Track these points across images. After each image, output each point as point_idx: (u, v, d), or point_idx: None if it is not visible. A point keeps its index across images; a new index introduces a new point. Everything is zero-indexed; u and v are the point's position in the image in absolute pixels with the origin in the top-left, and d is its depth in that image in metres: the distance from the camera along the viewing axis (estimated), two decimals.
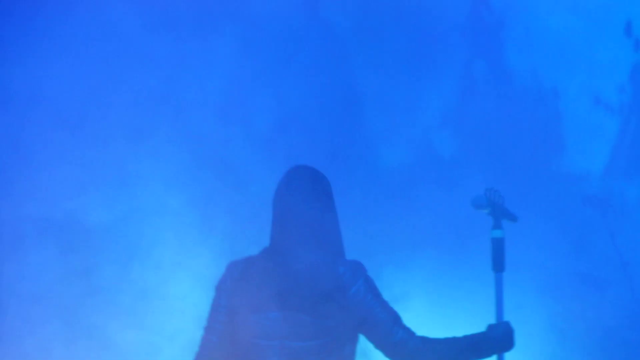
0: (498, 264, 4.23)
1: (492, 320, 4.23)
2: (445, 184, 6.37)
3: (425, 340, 4.10)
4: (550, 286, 6.37)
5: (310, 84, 6.31)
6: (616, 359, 6.38)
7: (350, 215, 4.76)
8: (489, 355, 4.13)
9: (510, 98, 6.52)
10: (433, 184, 6.38)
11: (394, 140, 6.37)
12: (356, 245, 4.73)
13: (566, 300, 6.37)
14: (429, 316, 6.04)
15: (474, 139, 6.48)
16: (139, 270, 6.00)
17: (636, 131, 6.61)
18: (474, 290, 5.97)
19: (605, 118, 6.58)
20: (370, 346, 4.15)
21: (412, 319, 4.35)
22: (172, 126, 6.11)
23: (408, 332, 4.11)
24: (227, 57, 6.18)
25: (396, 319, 4.12)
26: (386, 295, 4.18)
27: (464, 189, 6.27)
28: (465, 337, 4.10)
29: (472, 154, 6.44)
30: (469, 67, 6.55)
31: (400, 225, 6.26)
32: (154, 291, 5.98)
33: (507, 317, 4.27)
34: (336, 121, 6.32)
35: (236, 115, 6.20)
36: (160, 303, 5.95)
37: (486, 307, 5.98)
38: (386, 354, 4.14)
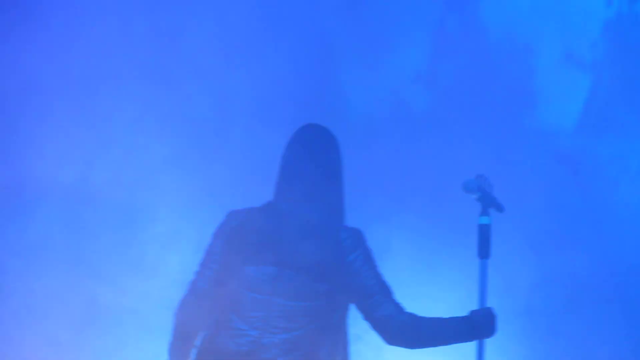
0: (484, 251, 4.25)
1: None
2: (416, 138, 6.31)
3: (413, 317, 4.06)
4: (522, 243, 6.34)
5: (284, 37, 6.22)
6: (589, 316, 6.37)
7: None
8: (470, 339, 4.12)
9: (483, 54, 6.48)
10: (404, 137, 6.32)
11: (366, 94, 6.31)
12: None
13: (539, 257, 6.34)
14: (410, 272, 6.00)
15: (446, 95, 6.43)
16: (139, 238, 5.91)
17: (608, 88, 6.59)
18: (452, 242, 5.94)
19: (578, 74, 6.55)
20: (365, 328, 4.10)
21: (394, 275, 4.28)
22: (172, 98, 6.08)
23: (398, 307, 4.06)
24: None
25: (388, 293, 4.07)
26: None
27: (434, 143, 6.25)
28: (448, 319, 4.08)
29: (444, 109, 6.39)
30: (442, 22, 6.49)
31: (372, 179, 6.20)
32: (152, 261, 5.90)
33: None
34: (308, 72, 6.23)
35: (222, 77, 6.13)
36: (158, 272, 5.87)
37: (466, 258, 5.99)
38: (373, 326, 4.09)
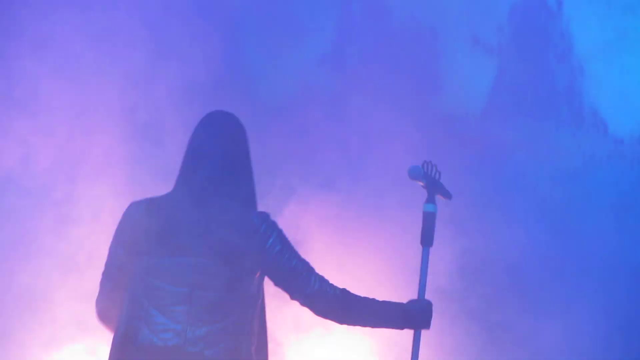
0: (427, 238, 4.20)
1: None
2: (324, 122, 6.25)
3: (344, 292, 4.04)
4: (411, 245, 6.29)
5: (189, 24, 6.14)
6: (521, 299, 6.34)
7: None
8: (401, 327, 4.09)
9: (388, 37, 6.44)
10: (312, 121, 6.25)
11: (274, 77, 6.23)
12: None
13: (451, 242, 6.30)
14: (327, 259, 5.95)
15: (351, 78, 6.38)
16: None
17: (514, 72, 6.57)
18: (373, 226, 5.90)
19: (484, 59, 6.53)
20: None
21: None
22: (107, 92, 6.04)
23: (324, 280, 4.03)
24: None
25: (312, 269, 4.04)
26: None
27: (341, 128, 6.19)
28: (381, 302, 4.05)
29: (350, 92, 6.34)
30: (347, 5, 6.44)
31: (280, 164, 6.14)
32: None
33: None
34: (213, 58, 6.15)
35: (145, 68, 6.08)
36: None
37: (386, 247, 5.96)
38: (304, 302, 4.04)
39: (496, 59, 6.55)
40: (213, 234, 3.93)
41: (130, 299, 3.93)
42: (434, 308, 4.12)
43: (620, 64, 6.67)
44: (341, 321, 4.06)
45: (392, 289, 5.54)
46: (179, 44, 6.14)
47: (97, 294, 4.06)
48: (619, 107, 6.70)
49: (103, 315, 4.06)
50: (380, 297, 4.07)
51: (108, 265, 4.03)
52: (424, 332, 4.12)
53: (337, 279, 4.11)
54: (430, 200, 4.18)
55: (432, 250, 4.22)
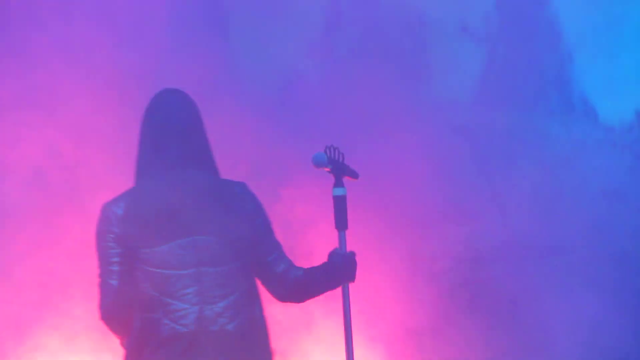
0: (341, 222, 4.14)
1: None
2: (310, 109, 6.23)
3: (304, 270, 4.01)
4: (414, 219, 6.28)
5: (175, 11, 6.12)
6: (486, 292, 6.32)
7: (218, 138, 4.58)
8: (336, 284, 4.04)
9: (377, 27, 6.42)
10: (299, 110, 6.24)
11: (262, 67, 6.21)
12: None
13: (437, 228, 6.28)
14: None
15: (340, 67, 6.36)
16: None
17: (504, 60, 6.57)
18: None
19: (472, 47, 6.52)
20: None
21: None
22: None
23: (291, 261, 4.02)
24: None
25: (282, 248, 4.02)
26: None
27: (328, 115, 6.17)
28: (320, 267, 4.02)
29: (339, 82, 6.32)
30: None
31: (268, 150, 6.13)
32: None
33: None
34: (199, 47, 6.12)
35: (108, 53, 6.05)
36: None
37: None
38: (271, 282, 3.99)
39: (485, 47, 6.55)
40: (203, 210, 3.89)
41: (139, 294, 3.86)
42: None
43: (610, 52, 6.67)
44: (303, 299, 4.05)
45: None
46: (159, 32, 6.12)
47: (99, 298, 3.93)
48: (609, 94, 6.70)
49: (110, 317, 3.92)
50: None
51: (104, 267, 3.91)
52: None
53: None
54: (339, 184, 4.13)
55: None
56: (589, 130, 6.63)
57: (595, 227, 6.39)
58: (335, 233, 4.15)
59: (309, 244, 5.97)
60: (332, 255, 4.05)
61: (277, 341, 4.04)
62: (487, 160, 6.45)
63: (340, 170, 4.13)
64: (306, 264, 4.02)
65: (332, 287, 4.04)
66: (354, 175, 4.19)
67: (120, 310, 3.90)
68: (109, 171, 5.69)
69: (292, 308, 5.66)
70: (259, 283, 4.01)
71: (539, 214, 6.39)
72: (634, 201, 6.49)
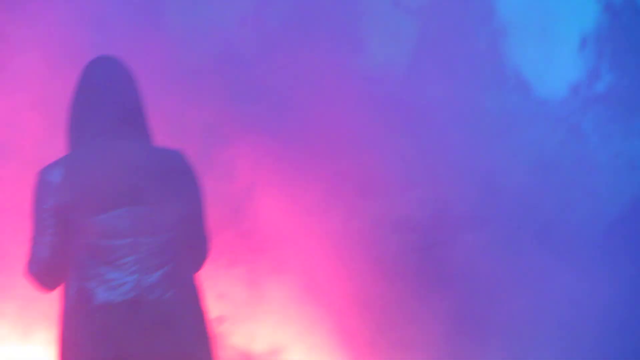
0: None
1: None
2: (247, 83, 6.22)
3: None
4: (356, 189, 6.29)
5: None
6: (423, 260, 6.34)
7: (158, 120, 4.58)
8: None
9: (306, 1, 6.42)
10: (233, 82, 6.22)
11: (193, 37, 6.19)
12: None
13: (368, 201, 6.29)
14: None
15: (272, 40, 6.35)
16: None
17: (436, 34, 6.57)
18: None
19: (405, 19, 6.52)
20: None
21: None
22: None
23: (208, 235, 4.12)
24: None
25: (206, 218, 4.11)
26: None
27: (265, 86, 6.13)
28: None
29: (271, 54, 6.31)
30: None
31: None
32: None
33: None
34: (131, 17, 6.11)
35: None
36: None
37: None
38: (191, 248, 4.06)
39: (417, 20, 6.54)
40: (139, 179, 3.91)
41: (75, 260, 3.88)
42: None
43: (544, 25, 6.69)
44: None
45: None
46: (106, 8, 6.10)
47: (28, 259, 3.96)
48: (542, 68, 6.71)
49: (41, 276, 3.94)
50: None
51: (38, 233, 3.92)
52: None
53: None
54: None
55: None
56: (523, 104, 6.64)
57: (528, 198, 6.42)
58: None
59: (247, 211, 6.02)
60: None
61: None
62: (419, 132, 6.45)
63: None
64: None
65: None
66: None
67: (50, 273, 3.92)
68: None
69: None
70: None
71: (471, 185, 6.41)
72: (565, 174, 6.51)
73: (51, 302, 4.59)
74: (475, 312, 6.22)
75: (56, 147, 4.40)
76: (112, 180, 3.90)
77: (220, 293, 6.06)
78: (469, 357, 6.18)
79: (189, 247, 3.99)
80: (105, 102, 4.00)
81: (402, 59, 6.54)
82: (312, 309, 6.15)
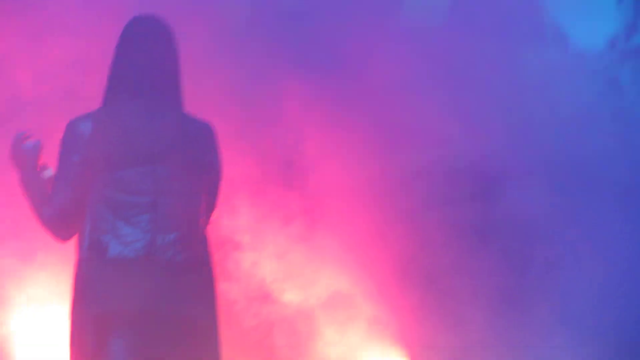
0: None
1: None
2: (277, 41, 6.24)
3: None
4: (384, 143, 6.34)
5: None
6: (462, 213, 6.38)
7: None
8: None
9: None
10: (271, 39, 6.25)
11: None
12: None
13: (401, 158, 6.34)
14: None
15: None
16: None
17: None
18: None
19: None
20: None
21: None
22: None
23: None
24: None
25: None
26: None
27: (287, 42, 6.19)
28: None
29: (320, 9, 6.32)
30: None
31: None
32: None
33: None
34: None
35: None
36: None
37: None
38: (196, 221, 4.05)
39: None
40: (166, 141, 3.94)
41: (92, 213, 3.90)
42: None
43: None
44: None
45: None
46: None
47: (48, 200, 3.97)
48: (580, 21, 6.70)
49: (57, 221, 3.96)
50: None
51: (61, 180, 3.94)
52: None
53: None
54: None
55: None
56: (560, 57, 6.64)
57: (569, 149, 6.44)
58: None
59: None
60: None
61: None
62: (457, 86, 6.47)
63: None
64: None
65: None
66: None
67: (65, 220, 3.94)
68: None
69: None
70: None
71: (509, 138, 6.43)
72: (603, 126, 6.52)
73: None
74: (521, 263, 6.27)
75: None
76: (139, 139, 3.93)
77: (275, 252, 6.16)
78: (518, 307, 6.23)
79: (203, 213, 4.03)
80: (140, 65, 4.02)
81: (438, 13, 6.56)
82: (364, 261, 6.21)
